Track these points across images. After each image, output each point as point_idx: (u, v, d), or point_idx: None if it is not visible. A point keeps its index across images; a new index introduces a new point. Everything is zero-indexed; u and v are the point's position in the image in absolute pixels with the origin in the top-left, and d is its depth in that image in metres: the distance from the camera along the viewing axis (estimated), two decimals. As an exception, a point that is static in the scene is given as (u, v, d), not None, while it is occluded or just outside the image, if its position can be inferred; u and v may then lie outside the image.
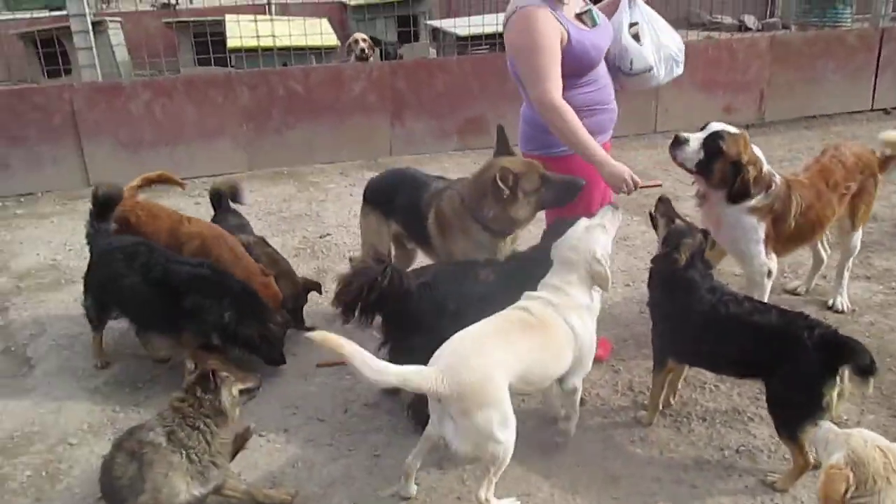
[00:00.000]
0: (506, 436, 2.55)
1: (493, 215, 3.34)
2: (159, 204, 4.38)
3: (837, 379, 2.64)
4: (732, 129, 3.40)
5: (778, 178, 3.53)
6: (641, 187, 3.14)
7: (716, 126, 3.41)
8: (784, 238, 3.61)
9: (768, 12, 14.49)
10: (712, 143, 3.35)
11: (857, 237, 4.11)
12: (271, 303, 3.73)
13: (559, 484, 2.94)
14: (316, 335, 2.47)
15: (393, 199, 3.89)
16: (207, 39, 7.42)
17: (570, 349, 2.85)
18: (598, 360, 3.24)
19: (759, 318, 2.89)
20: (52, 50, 8.03)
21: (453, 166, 6.98)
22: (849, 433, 2.08)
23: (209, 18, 9.44)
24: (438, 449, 2.82)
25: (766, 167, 3.46)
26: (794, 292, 4.41)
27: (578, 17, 3.24)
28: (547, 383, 2.95)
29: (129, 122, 6.65)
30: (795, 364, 2.72)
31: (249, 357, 3.67)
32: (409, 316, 3.11)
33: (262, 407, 3.44)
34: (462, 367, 2.51)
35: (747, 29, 13.00)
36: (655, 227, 3.24)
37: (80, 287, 3.93)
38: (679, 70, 3.52)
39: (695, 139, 3.39)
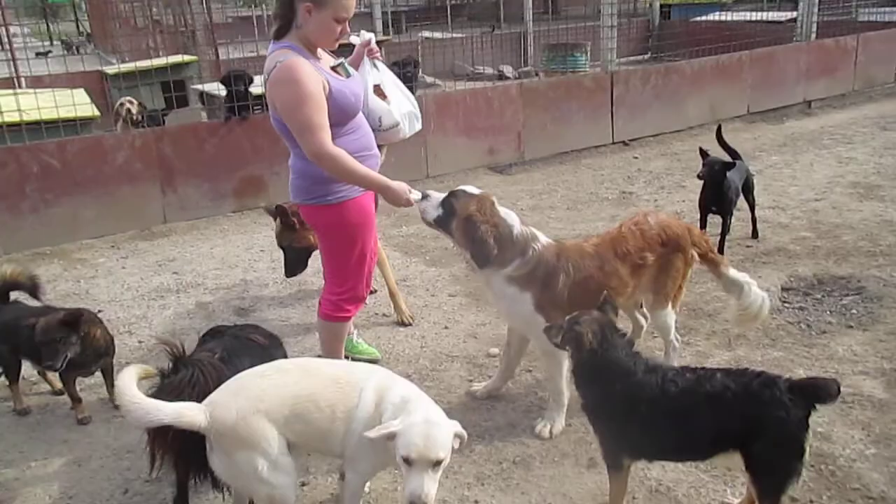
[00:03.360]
0: (277, 479, 2.52)
1: None
2: None
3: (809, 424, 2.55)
4: (473, 190, 3.43)
5: (541, 244, 3.40)
6: None
7: (461, 188, 3.48)
8: (560, 307, 3.31)
9: (522, 62, 15.85)
10: (446, 202, 3.39)
11: (666, 316, 3.72)
12: None
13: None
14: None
15: None
16: (-57, 117, 6.78)
17: (344, 417, 2.58)
18: None
19: (712, 386, 2.63)
20: None
21: (232, 227, 6.91)
22: None
23: (-55, 95, 8.63)
24: None
25: (517, 230, 3.36)
26: None
27: (333, 69, 3.41)
28: (316, 443, 2.68)
29: None
30: (777, 425, 2.53)
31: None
32: None
33: (29, 501, 3.19)
34: (221, 406, 2.52)
35: (506, 78, 14.12)
36: (564, 346, 2.87)
37: None
38: (418, 125, 3.80)
39: (435, 196, 3.42)
